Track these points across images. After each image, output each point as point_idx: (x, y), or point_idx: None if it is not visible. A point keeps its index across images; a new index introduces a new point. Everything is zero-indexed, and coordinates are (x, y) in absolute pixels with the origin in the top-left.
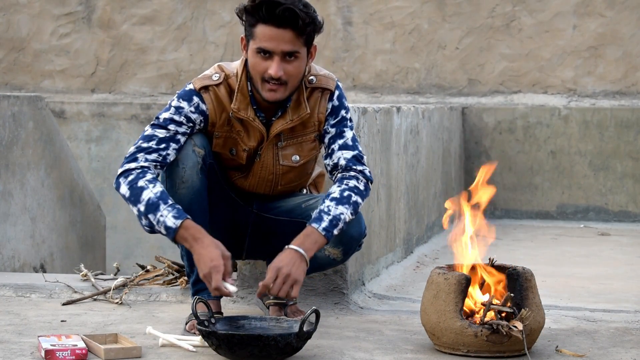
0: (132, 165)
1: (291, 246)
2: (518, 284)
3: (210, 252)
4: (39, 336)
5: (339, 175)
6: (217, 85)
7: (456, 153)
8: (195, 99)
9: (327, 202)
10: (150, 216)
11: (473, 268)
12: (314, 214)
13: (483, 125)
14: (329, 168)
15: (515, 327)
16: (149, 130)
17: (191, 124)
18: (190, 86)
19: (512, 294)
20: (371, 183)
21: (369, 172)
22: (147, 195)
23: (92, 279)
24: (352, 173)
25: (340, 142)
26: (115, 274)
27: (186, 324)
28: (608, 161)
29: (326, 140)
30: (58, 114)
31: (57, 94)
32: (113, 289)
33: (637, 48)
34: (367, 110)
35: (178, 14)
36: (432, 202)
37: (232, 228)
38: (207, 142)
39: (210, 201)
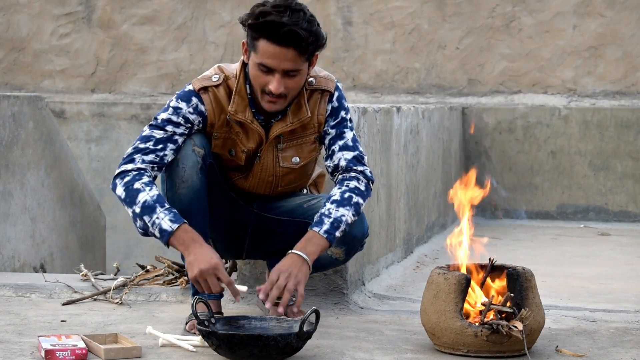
0: (129, 166)
1: (293, 251)
2: (518, 284)
3: (209, 252)
4: (39, 336)
5: (340, 176)
6: (217, 86)
7: (456, 153)
8: (194, 100)
9: (328, 205)
10: (146, 218)
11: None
12: (316, 218)
13: (483, 125)
14: (329, 169)
15: (515, 327)
16: (146, 131)
17: (189, 125)
18: (190, 87)
19: (512, 294)
20: (372, 183)
21: (370, 172)
22: (143, 197)
23: (92, 279)
24: (353, 174)
25: (341, 143)
26: (115, 274)
27: (186, 324)
28: (608, 161)
29: (326, 141)
30: (58, 114)
31: (57, 94)
32: (113, 289)
33: (637, 48)
34: (367, 110)
35: (178, 14)
36: (432, 202)
37: (232, 228)
38: (206, 142)
39: (211, 201)
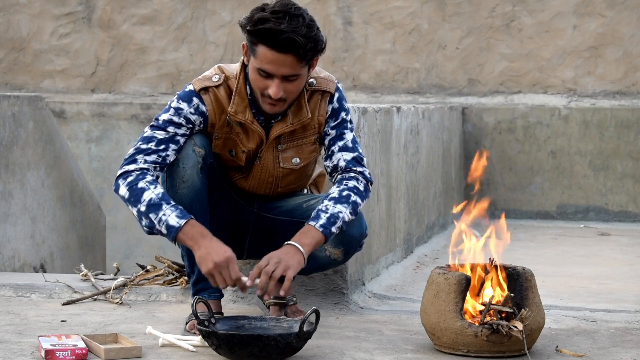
0: (132, 167)
1: (287, 242)
2: (518, 284)
3: (220, 245)
4: (39, 336)
5: (339, 176)
6: (217, 86)
7: (456, 153)
8: (195, 100)
9: (326, 202)
10: (152, 215)
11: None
12: (312, 214)
13: (483, 125)
14: (328, 169)
15: (515, 327)
16: (148, 132)
17: (190, 125)
18: (190, 87)
19: (512, 294)
20: (371, 184)
21: (369, 173)
22: (148, 195)
23: (92, 279)
24: (352, 174)
25: (341, 143)
26: (115, 274)
27: (186, 324)
28: (608, 161)
29: (326, 142)
30: (58, 114)
31: (57, 94)
32: (113, 289)
33: (637, 48)
34: (367, 110)
35: (178, 14)
36: (432, 202)
37: (232, 228)
38: (207, 142)
39: (211, 201)
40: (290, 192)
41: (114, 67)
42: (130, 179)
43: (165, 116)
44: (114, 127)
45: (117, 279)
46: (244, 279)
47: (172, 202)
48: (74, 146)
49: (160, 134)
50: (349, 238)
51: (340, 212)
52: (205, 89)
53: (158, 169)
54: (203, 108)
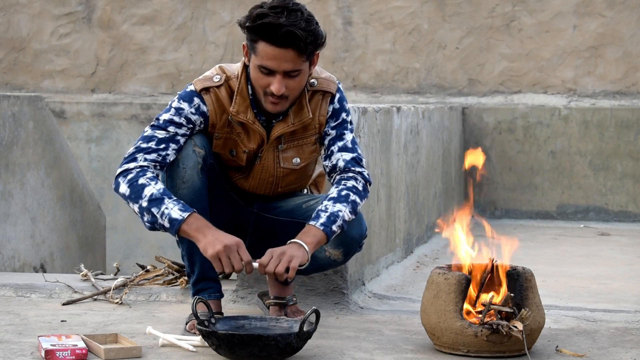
0: (131, 165)
1: (290, 241)
2: (518, 284)
3: (227, 233)
4: (39, 336)
5: (338, 176)
6: (218, 86)
7: (456, 153)
8: (196, 100)
9: (325, 202)
10: (154, 209)
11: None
12: (313, 214)
13: (483, 125)
14: (327, 169)
15: (515, 327)
16: (148, 131)
17: (191, 125)
18: (191, 87)
19: (512, 294)
20: (370, 185)
21: (368, 174)
22: (149, 191)
23: (92, 279)
24: (351, 174)
25: (340, 144)
26: (115, 274)
27: (186, 324)
28: (608, 161)
29: (326, 142)
30: (58, 114)
31: (57, 94)
32: (113, 289)
33: (637, 48)
34: (367, 110)
35: (178, 14)
36: (432, 202)
37: (232, 228)
38: (207, 142)
39: (211, 201)
40: (290, 192)
41: (114, 67)
42: (130, 176)
43: (166, 116)
44: (114, 127)
45: (117, 279)
46: (255, 264)
47: (173, 197)
48: (74, 146)
49: (160, 134)
50: (349, 239)
51: (340, 211)
52: (207, 89)
53: (158, 167)
54: (204, 108)
